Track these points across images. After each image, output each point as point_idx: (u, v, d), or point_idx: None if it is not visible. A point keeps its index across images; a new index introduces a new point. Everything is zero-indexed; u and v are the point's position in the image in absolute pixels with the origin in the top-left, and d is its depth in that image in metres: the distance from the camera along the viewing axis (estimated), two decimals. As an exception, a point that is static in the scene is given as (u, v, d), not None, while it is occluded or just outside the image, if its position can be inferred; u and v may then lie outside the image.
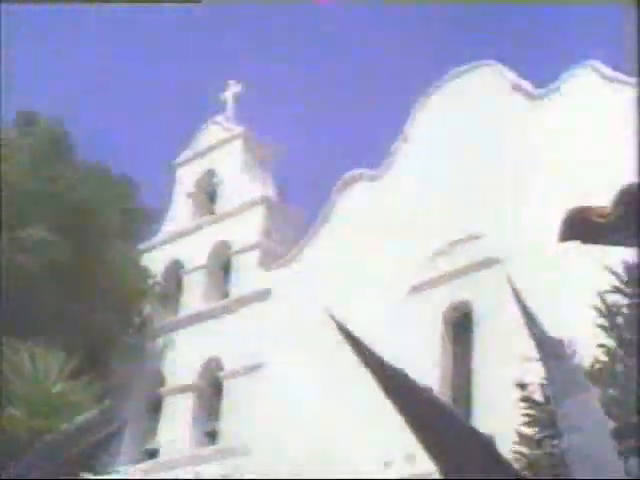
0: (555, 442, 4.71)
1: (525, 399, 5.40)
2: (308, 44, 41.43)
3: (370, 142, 35.34)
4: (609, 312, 5.50)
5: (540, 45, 33.81)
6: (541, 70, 17.04)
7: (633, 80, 16.56)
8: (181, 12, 34.68)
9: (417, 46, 35.68)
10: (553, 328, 1.75)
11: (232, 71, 27.44)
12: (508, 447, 4.99)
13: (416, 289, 17.69)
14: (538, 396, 5.35)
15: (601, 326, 5.54)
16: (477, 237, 17.05)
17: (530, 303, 1.51)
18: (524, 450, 4.98)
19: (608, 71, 16.78)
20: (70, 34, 37.64)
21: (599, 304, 5.71)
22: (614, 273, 5.89)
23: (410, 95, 19.83)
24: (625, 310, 5.58)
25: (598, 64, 16.98)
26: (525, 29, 35.33)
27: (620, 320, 5.45)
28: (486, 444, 1.10)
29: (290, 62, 39.68)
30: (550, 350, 1.41)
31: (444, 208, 17.58)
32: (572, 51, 33.89)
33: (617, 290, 5.81)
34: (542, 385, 5.07)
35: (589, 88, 16.85)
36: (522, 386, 5.49)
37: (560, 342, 1.44)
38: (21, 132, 21.61)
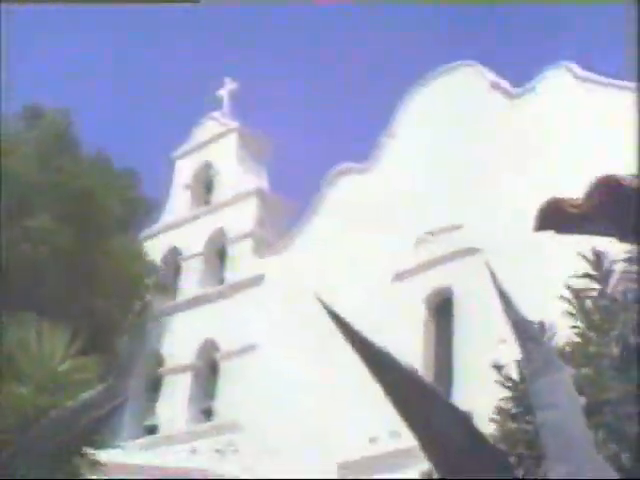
0: (529, 418, 4.71)
1: (501, 379, 5.39)
2: (305, 43, 41.30)
3: (360, 137, 35.38)
4: (578, 297, 5.51)
5: (540, 45, 33.57)
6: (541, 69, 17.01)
7: (605, 80, 16.62)
8: (181, 11, 34.59)
9: (415, 46, 35.53)
10: (529, 312, 1.76)
11: (229, 69, 27.37)
12: (485, 423, 5.00)
13: (400, 276, 17.71)
14: (514, 376, 5.35)
15: (570, 312, 5.54)
16: (458, 227, 17.07)
17: (508, 289, 1.51)
18: (500, 425, 4.98)
19: (580, 71, 16.82)
20: (71, 33, 37.48)
21: (570, 290, 5.72)
22: (586, 260, 5.90)
23: (402, 93, 19.81)
24: (594, 294, 5.59)
25: (571, 65, 17.01)
26: (525, 29, 35.10)
27: (589, 304, 5.46)
28: (464, 419, 1.10)
29: (286, 60, 39.62)
30: (526, 332, 1.41)
31: (427, 200, 17.60)
32: (573, 51, 33.76)
33: (587, 275, 5.82)
34: (518, 365, 5.07)
35: (563, 87, 16.88)
36: (499, 367, 5.49)
37: (535, 325, 1.44)
38: (27, 125, 21.52)
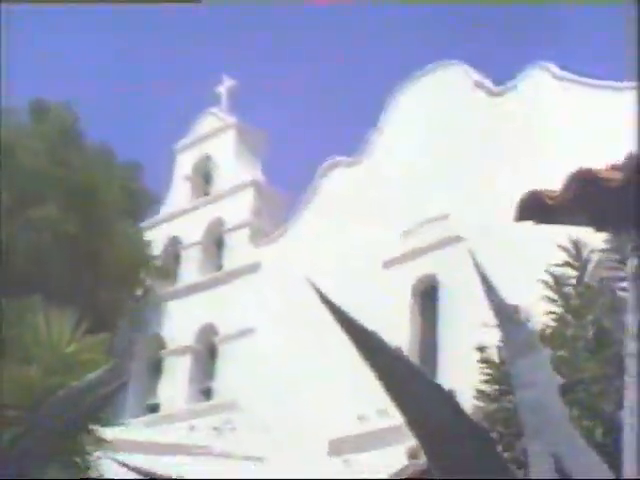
0: (508, 398, 4.73)
1: (483, 361, 5.40)
2: (301, 42, 41.16)
3: (351, 132, 35.35)
4: (557, 283, 5.52)
5: (539, 45, 33.30)
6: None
7: (580, 79, 16.67)
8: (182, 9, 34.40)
9: (412, 46, 35.40)
10: (511, 298, 1.76)
11: (228, 65, 27.22)
12: (468, 402, 5.01)
13: (388, 264, 17.73)
14: (495, 358, 5.36)
15: (550, 297, 5.56)
16: (443, 218, 17.08)
17: (491, 276, 1.51)
18: (481, 405, 5.00)
19: (557, 71, 16.86)
20: (74, 30, 37.23)
21: (550, 277, 5.73)
22: (564, 249, 5.91)
23: (391, 90, 19.78)
24: (573, 281, 5.61)
25: (549, 64, 17.05)
26: (525, 29, 34.77)
27: (568, 290, 5.47)
28: (448, 398, 1.11)
29: (282, 59, 39.54)
30: (507, 316, 1.42)
31: (414, 192, 17.61)
32: (573, 50, 33.28)
33: (567, 264, 5.84)
34: (498, 348, 5.08)
35: (541, 86, 16.91)
36: (481, 349, 5.49)
37: (516, 308, 1.45)
38: (34, 119, 21.44)
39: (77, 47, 39.64)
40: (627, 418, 1.41)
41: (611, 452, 1.41)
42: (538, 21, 35.76)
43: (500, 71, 18.03)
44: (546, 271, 5.80)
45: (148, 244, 22.27)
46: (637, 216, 5.99)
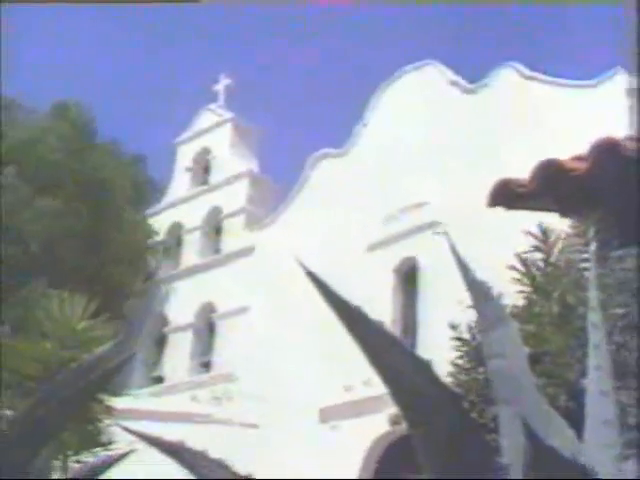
0: (481, 370, 4.74)
1: (457, 338, 5.42)
2: (295, 41, 40.95)
3: (338, 126, 35.22)
4: (526, 266, 5.54)
5: (540, 44, 32.86)
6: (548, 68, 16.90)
7: (547, 78, 16.70)
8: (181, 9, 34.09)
9: (407, 47, 35.11)
10: (483, 278, 1.76)
11: (226, 64, 27.04)
12: (444, 375, 5.03)
13: (372, 247, 17.75)
14: (468, 335, 5.36)
15: (519, 279, 5.57)
16: (423, 205, 17.09)
17: (465, 258, 1.51)
18: (455, 377, 5.01)
19: (526, 71, 16.90)
20: (79, 30, 36.90)
21: (519, 260, 5.75)
22: (533, 235, 5.93)
23: (376, 88, 19.71)
24: (540, 264, 5.62)
25: (517, 65, 17.10)
26: (525, 29, 34.36)
27: (535, 271, 5.49)
28: (425, 367, 1.11)
29: (277, 59, 39.37)
30: (479, 292, 1.42)
31: (395, 180, 17.61)
32: (574, 50, 32.85)
33: (535, 248, 5.85)
34: (469, 326, 5.09)
35: (510, 84, 16.93)
36: (454, 327, 5.50)
37: (487, 285, 1.45)
38: (55, 118, 21.61)
39: (89, 52, 39.38)
40: (588, 385, 1.42)
41: (573, 416, 1.42)
42: (538, 21, 35.17)
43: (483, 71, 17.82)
44: (515, 255, 5.82)
45: (153, 230, 22.29)
46: (599, 203, 6.02)
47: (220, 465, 1.17)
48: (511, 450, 1.27)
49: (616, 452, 1.31)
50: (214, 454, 1.22)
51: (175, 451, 1.17)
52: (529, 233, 6.04)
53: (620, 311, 4.57)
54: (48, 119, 21.41)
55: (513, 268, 5.70)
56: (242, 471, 1.24)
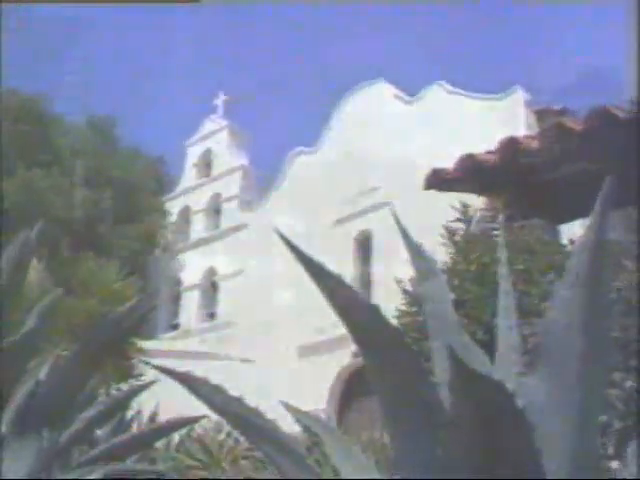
0: (419, 312, 4.77)
1: (402, 291, 5.44)
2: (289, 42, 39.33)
3: (311, 129, 34.45)
4: (450, 233, 5.56)
5: (539, 44, 30.26)
6: (542, 68, 16.08)
7: (469, 93, 16.69)
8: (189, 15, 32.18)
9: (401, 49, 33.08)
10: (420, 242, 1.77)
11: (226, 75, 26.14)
12: (391, 319, 5.05)
13: (338, 222, 17.78)
14: (409, 287, 5.37)
15: (446, 244, 5.60)
16: (375, 189, 17.12)
17: (407, 228, 1.48)
18: (400, 319, 5.04)
19: (450, 88, 16.91)
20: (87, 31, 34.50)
21: (445, 230, 5.77)
22: (456, 209, 5.95)
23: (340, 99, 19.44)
24: (461, 232, 5.65)
25: (444, 83, 17.05)
26: (525, 29, 31.71)
27: (458, 238, 5.51)
28: (374, 310, 1.11)
29: (269, 71, 38.30)
30: (416, 252, 1.42)
31: (355, 171, 17.59)
32: (573, 50, 29.90)
33: (458, 220, 5.88)
34: (411, 280, 5.11)
35: (439, 98, 16.94)
36: (398, 282, 5.51)
37: (423, 247, 1.45)
38: (88, 128, 21.64)
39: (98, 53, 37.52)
40: (499, 322, 1.43)
41: (488, 346, 1.44)
42: (537, 21, 31.41)
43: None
44: (443, 225, 5.84)
45: (168, 212, 22.33)
46: (505, 186, 6.09)
47: (217, 390, 1.18)
48: (441, 372, 1.28)
49: (518, 369, 1.33)
50: (214, 382, 1.23)
51: (185, 379, 1.17)
52: (453, 208, 6.07)
53: (521, 267, 4.63)
54: (84, 131, 21.46)
55: (442, 235, 5.73)
56: (235, 395, 1.25)
